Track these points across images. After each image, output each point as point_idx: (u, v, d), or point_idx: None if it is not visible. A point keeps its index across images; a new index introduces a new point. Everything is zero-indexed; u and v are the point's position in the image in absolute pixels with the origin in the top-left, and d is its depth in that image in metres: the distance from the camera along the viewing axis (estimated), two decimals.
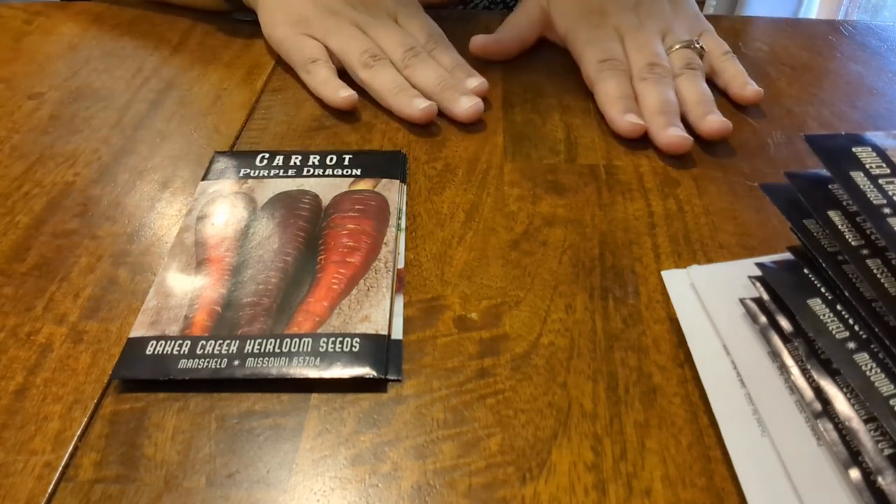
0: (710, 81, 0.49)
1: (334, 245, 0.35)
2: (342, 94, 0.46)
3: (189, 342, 0.30)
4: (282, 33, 0.50)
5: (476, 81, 0.47)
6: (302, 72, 0.48)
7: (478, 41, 0.52)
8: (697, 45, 0.49)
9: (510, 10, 0.56)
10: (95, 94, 0.48)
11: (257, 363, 0.30)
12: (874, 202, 0.25)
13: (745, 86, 0.48)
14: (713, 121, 0.43)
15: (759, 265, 0.29)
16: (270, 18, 0.51)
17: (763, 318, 0.28)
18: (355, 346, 0.30)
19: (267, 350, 0.30)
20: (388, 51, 0.48)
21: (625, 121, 0.44)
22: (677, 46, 0.48)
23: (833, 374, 0.25)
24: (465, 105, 0.45)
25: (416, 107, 0.44)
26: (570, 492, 0.26)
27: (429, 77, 0.47)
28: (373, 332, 0.31)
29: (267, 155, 0.42)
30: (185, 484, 0.26)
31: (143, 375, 0.29)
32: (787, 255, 0.29)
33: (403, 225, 0.38)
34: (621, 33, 0.50)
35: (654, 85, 0.45)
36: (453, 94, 0.46)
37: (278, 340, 0.31)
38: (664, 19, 0.50)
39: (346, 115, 0.46)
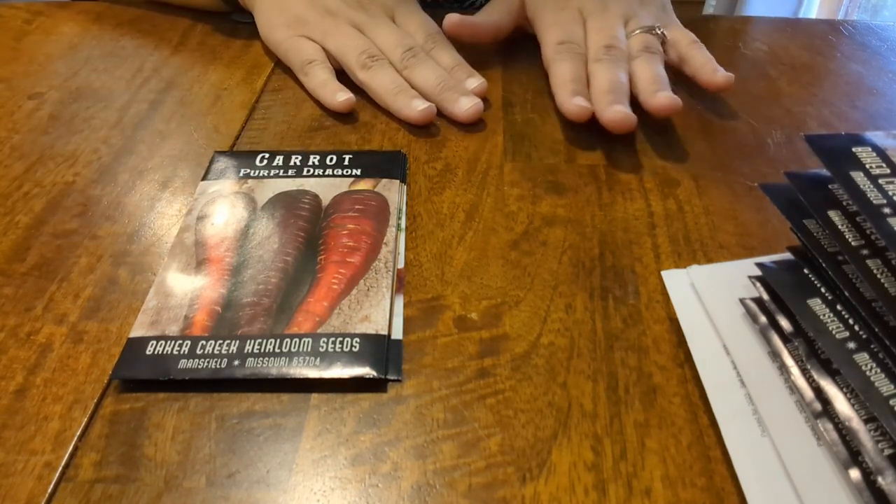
0: (679, 71, 0.49)
1: (334, 245, 0.35)
2: (340, 98, 0.46)
3: (189, 342, 0.30)
4: (279, 35, 0.50)
5: (476, 81, 0.47)
6: (300, 74, 0.48)
7: (452, 20, 0.50)
8: (659, 32, 0.48)
9: None
10: (95, 94, 0.48)
11: (257, 363, 0.30)
12: (874, 202, 0.25)
13: (715, 72, 0.46)
14: (662, 97, 0.43)
15: (759, 265, 0.29)
16: (267, 20, 0.51)
17: (763, 318, 0.28)
18: (355, 346, 0.30)
19: (267, 350, 0.30)
20: (386, 51, 0.48)
21: (572, 104, 0.43)
22: (638, 31, 0.48)
23: (833, 374, 0.25)
24: (465, 105, 0.45)
25: (415, 108, 0.44)
26: (570, 492, 0.26)
27: (428, 78, 0.46)
28: (373, 332, 0.31)
29: (267, 155, 0.42)
30: (185, 484, 0.26)
31: (143, 375, 0.29)
32: (787, 255, 0.29)
33: (403, 225, 0.38)
34: (584, 16, 0.49)
35: (606, 66, 0.45)
36: (453, 94, 0.45)
37: (278, 340, 0.31)
38: (629, 5, 0.50)
39: (345, 115, 0.46)
